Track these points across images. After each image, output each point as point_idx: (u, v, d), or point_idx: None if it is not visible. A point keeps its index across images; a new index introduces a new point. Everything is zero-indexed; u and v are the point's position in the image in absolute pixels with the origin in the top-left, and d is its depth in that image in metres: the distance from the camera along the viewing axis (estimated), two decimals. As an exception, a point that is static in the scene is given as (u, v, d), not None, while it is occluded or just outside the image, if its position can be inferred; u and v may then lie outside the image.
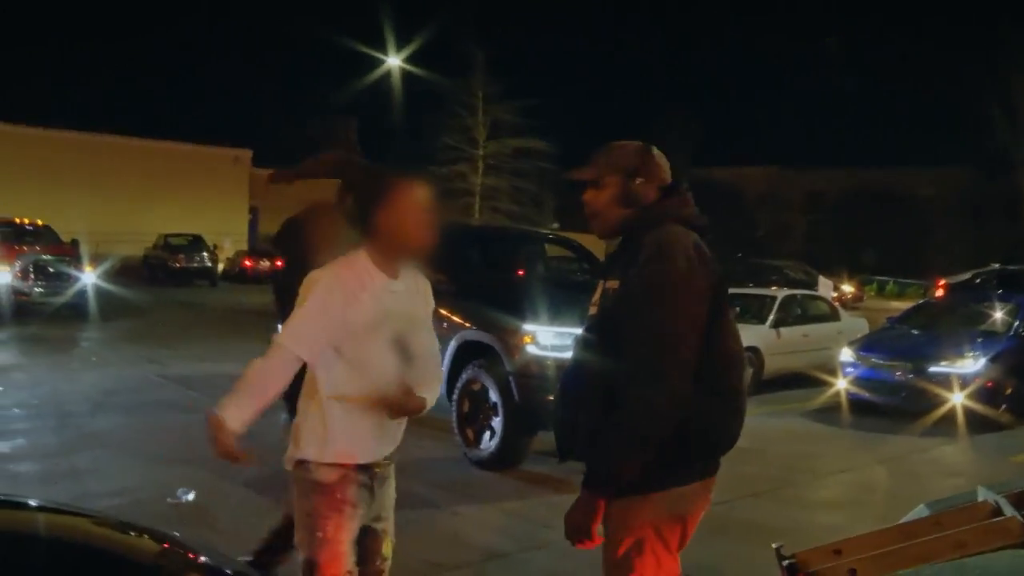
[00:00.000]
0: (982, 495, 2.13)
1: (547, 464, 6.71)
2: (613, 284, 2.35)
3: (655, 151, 2.47)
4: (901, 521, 2.18)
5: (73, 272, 17.31)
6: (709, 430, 2.27)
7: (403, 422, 2.67)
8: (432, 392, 2.63)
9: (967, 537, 1.88)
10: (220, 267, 32.12)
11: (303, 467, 2.51)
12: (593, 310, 2.46)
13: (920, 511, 2.21)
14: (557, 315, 6.27)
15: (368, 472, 2.56)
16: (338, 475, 2.49)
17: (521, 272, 6.66)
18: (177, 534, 2.73)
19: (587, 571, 4.67)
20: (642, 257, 2.24)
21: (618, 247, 2.47)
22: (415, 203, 2.48)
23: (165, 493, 5.56)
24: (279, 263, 4.37)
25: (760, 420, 9.34)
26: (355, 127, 2.82)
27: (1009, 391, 9.40)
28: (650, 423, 2.14)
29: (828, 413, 9.91)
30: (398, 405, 2.47)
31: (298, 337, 2.41)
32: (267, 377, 2.41)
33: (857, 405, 9.98)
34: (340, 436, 2.48)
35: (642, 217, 2.37)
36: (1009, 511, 1.96)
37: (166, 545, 2.39)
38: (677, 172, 2.48)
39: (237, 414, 2.36)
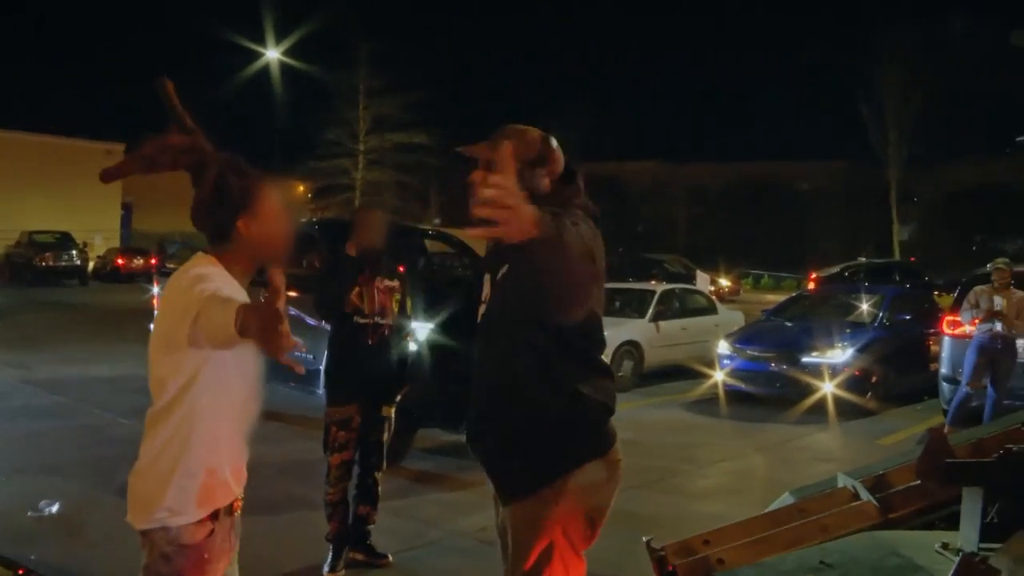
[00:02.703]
0: (841, 481, 2.21)
1: (430, 461, 6.68)
2: (503, 270, 2.30)
3: (553, 141, 2.41)
4: (768, 509, 2.24)
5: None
6: (595, 406, 2.27)
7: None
8: None
9: (829, 522, 1.94)
10: (91, 265, 30.78)
11: (162, 529, 2.10)
12: (483, 308, 2.41)
13: (785, 499, 2.27)
14: (437, 311, 6.25)
15: (230, 513, 2.20)
16: (205, 531, 2.11)
17: (401, 268, 6.62)
18: (33, 557, 2.57)
19: (473, 569, 4.68)
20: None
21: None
22: (280, 207, 2.23)
23: (27, 507, 5.30)
24: None
25: (641, 412, 9.53)
26: (170, 88, 2.26)
27: (875, 379, 9.89)
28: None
29: (707, 404, 10.18)
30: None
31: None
32: None
33: (734, 395, 10.29)
34: (206, 474, 2.10)
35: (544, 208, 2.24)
36: (865, 496, 2.03)
37: (20, 572, 2.24)
38: (571, 163, 2.42)
39: None
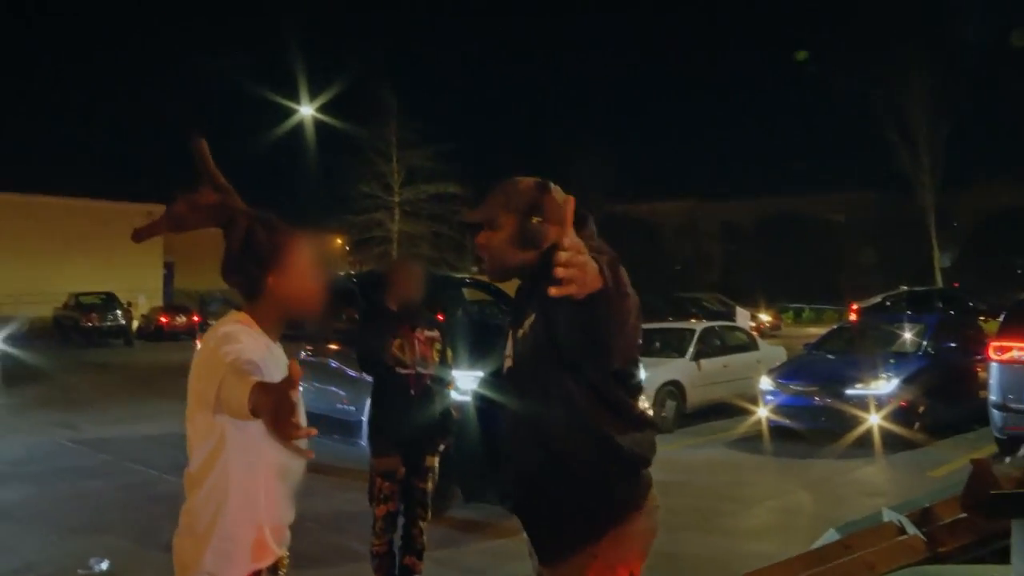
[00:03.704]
0: (887, 516, 2.18)
1: (475, 509, 6.64)
2: (529, 320, 2.23)
3: (553, 187, 2.33)
4: (813, 546, 2.21)
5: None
6: (634, 459, 2.21)
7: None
8: None
9: (875, 558, 1.91)
10: (135, 325, 31.29)
11: None
12: (508, 362, 2.36)
13: (831, 535, 2.24)
14: (478, 359, 6.27)
15: (274, 573, 2.15)
16: None
17: (440, 317, 6.69)
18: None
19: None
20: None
21: (525, 290, 2.38)
22: (311, 262, 2.21)
23: (77, 565, 5.36)
24: None
25: (685, 452, 9.43)
26: (204, 148, 2.22)
27: (922, 409, 9.70)
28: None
29: (751, 441, 10.04)
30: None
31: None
32: None
33: (778, 431, 10.14)
34: (244, 536, 2.07)
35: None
36: (912, 530, 2.00)
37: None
38: (580, 208, 2.41)
39: None
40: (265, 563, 2.09)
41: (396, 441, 4.48)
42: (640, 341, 2.09)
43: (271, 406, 1.65)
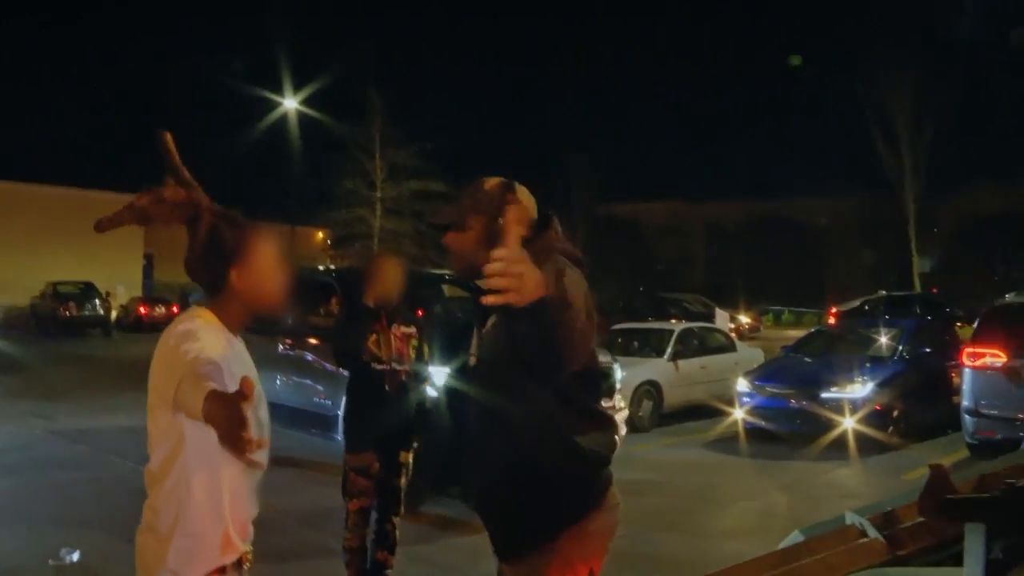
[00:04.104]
0: (849, 519, 2.21)
1: (448, 506, 6.66)
2: (492, 320, 2.28)
3: (518, 187, 2.38)
4: (778, 547, 2.24)
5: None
6: (592, 459, 2.24)
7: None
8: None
9: (835, 560, 1.95)
10: (114, 315, 31.07)
11: None
12: (473, 360, 2.40)
13: (795, 537, 2.28)
14: (455, 355, 6.28)
15: (238, 568, 2.14)
16: None
17: (419, 313, 6.69)
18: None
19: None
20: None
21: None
22: (273, 258, 2.22)
23: (48, 556, 5.32)
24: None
25: (661, 452, 9.48)
26: (169, 142, 2.22)
27: (896, 413, 9.80)
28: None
29: (727, 443, 10.11)
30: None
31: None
32: None
33: (755, 433, 10.21)
34: (207, 533, 2.05)
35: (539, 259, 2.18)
36: (873, 533, 2.04)
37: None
38: (545, 208, 2.42)
39: None
40: (229, 559, 2.08)
41: (370, 437, 4.49)
42: (593, 345, 2.11)
43: (221, 419, 1.64)
